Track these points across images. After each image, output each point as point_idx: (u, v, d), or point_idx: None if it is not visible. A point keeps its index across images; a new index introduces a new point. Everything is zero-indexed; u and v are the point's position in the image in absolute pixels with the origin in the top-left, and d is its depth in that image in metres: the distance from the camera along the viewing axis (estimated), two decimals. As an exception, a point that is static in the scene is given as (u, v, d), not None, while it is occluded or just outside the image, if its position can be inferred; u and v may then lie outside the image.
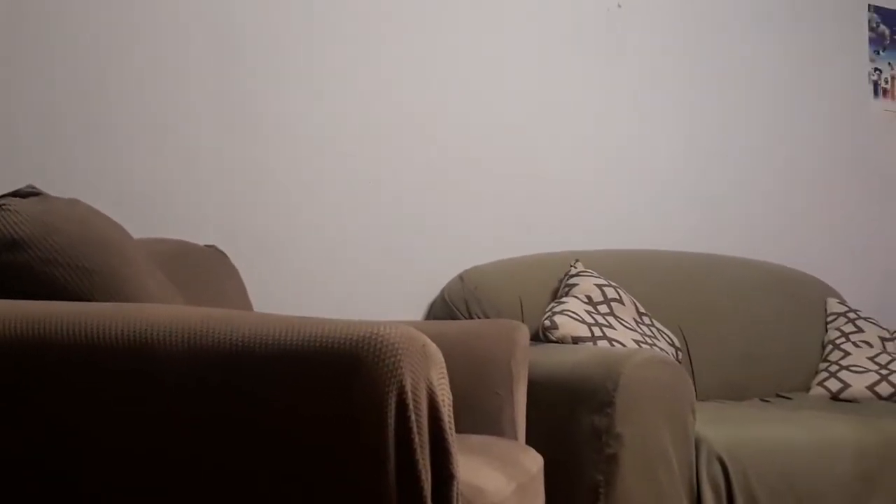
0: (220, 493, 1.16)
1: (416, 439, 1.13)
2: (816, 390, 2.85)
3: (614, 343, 2.44)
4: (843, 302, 3.19)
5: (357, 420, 1.12)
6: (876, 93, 3.67)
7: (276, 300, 2.51)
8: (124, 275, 1.44)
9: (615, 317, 2.59)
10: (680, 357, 2.68)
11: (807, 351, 3.02)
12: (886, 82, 3.69)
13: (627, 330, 2.54)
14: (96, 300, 1.41)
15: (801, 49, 3.51)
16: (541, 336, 2.46)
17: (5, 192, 1.54)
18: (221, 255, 2.24)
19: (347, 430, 1.13)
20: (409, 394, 1.13)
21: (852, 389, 2.79)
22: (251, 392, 1.15)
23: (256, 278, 2.47)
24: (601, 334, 2.46)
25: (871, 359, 2.88)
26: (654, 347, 2.54)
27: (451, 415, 1.20)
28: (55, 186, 2.23)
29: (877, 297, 3.57)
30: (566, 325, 2.44)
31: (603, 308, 2.60)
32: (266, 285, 2.50)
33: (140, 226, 2.24)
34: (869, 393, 2.77)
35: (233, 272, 2.22)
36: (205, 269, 2.11)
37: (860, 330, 3.03)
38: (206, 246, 2.24)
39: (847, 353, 2.93)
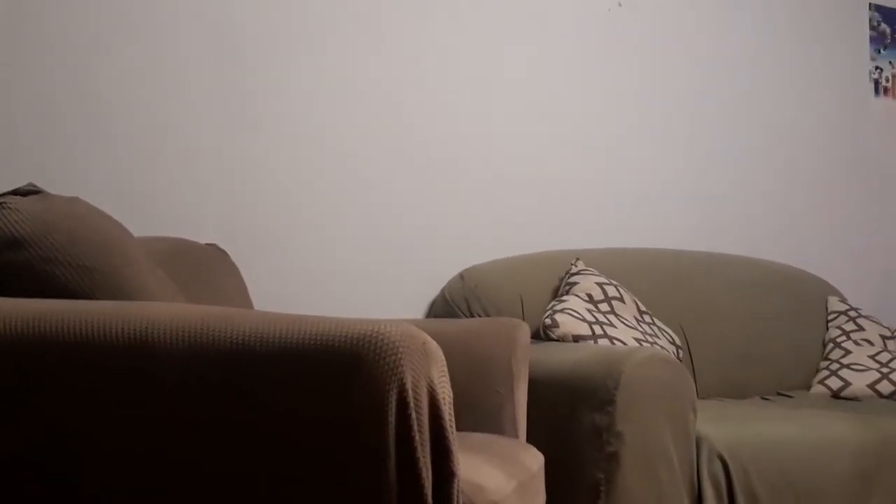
0: (220, 495, 1.16)
1: (417, 437, 1.13)
2: (817, 388, 2.85)
3: (615, 341, 2.44)
4: (843, 300, 3.19)
5: (357, 418, 1.12)
6: (877, 91, 3.67)
7: (277, 300, 2.51)
8: (125, 273, 1.44)
9: (616, 315, 2.59)
10: (681, 355, 2.68)
11: (807, 349, 3.02)
12: (887, 81, 3.69)
13: (628, 328, 2.54)
14: (97, 298, 1.41)
15: (802, 47, 3.51)
16: (541, 334, 2.46)
17: (5, 191, 1.54)
18: (222, 254, 2.24)
19: (348, 426, 1.13)
20: (410, 392, 1.13)
21: (853, 387, 2.79)
22: (251, 391, 1.15)
23: (257, 278, 2.48)
24: (602, 333, 2.46)
25: (872, 357, 2.88)
26: (655, 346, 2.54)
27: (452, 413, 1.20)
28: (55, 186, 2.23)
29: (877, 296, 3.57)
30: (567, 324, 2.45)
31: (604, 306, 2.60)
32: (266, 285, 2.51)
33: (140, 225, 2.24)
34: (870, 391, 2.77)
35: (233, 270, 2.22)
36: (205, 267, 2.11)
37: (861, 328, 3.03)
38: (206, 244, 2.24)
39: (848, 352, 2.93)
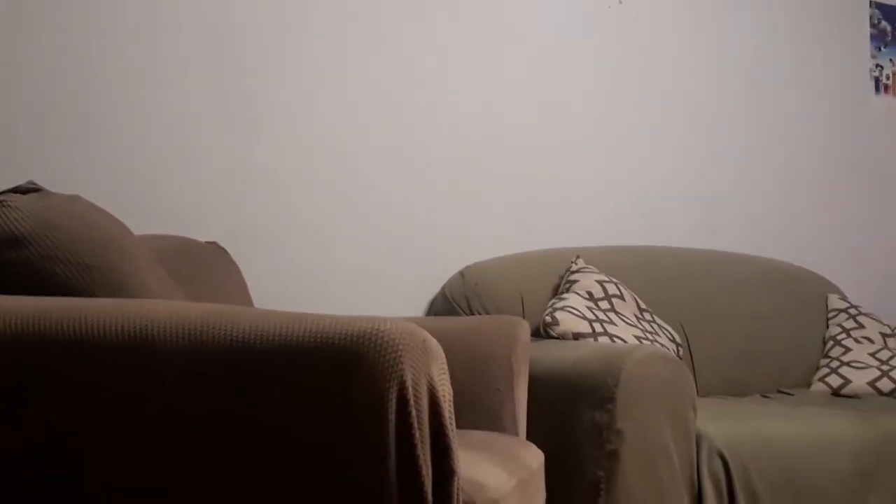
0: (220, 494, 1.16)
1: (417, 435, 1.13)
2: (817, 386, 2.85)
3: (615, 339, 2.44)
4: (844, 298, 3.19)
5: (357, 415, 1.12)
6: (877, 89, 3.67)
7: (277, 298, 2.52)
8: (125, 271, 1.44)
9: (616, 313, 2.59)
10: (681, 353, 2.68)
11: (807, 347, 3.02)
12: (888, 78, 3.69)
13: (628, 326, 2.54)
14: (97, 296, 1.41)
15: (802, 45, 3.51)
16: (542, 332, 2.46)
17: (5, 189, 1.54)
18: (222, 252, 2.24)
19: (348, 424, 1.13)
20: (410, 389, 1.13)
21: (853, 385, 2.79)
22: (251, 388, 1.15)
23: (257, 277, 2.48)
24: (602, 330, 2.46)
25: (872, 355, 2.88)
26: (655, 343, 2.54)
27: (452, 410, 1.20)
28: (55, 187, 2.23)
29: (877, 294, 3.57)
30: (567, 322, 2.45)
31: (604, 304, 2.60)
32: (267, 284, 2.51)
33: (140, 225, 2.24)
34: (870, 389, 2.77)
35: (233, 268, 2.22)
36: (205, 265, 2.11)
37: (861, 326, 3.03)
38: (206, 242, 2.24)
39: (848, 349, 2.93)
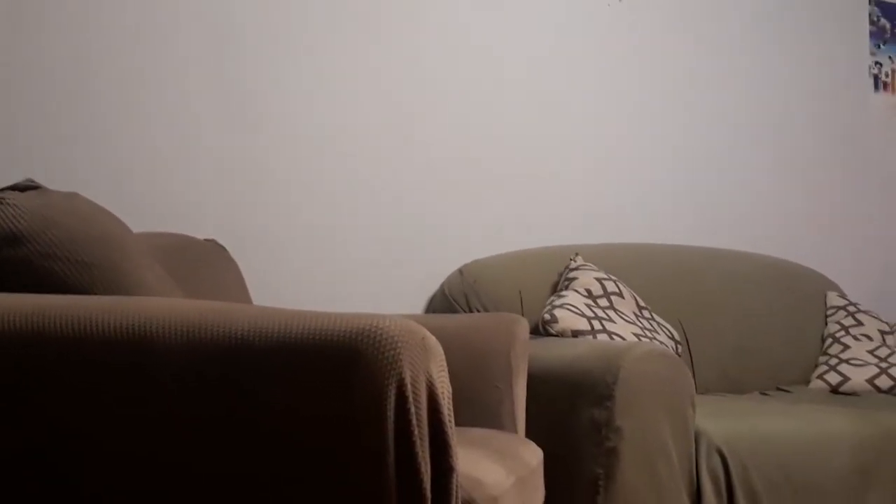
0: (222, 496, 1.16)
1: (416, 432, 1.13)
2: (816, 383, 2.85)
3: (614, 336, 2.44)
4: (842, 295, 3.19)
5: (356, 412, 1.12)
6: (876, 86, 3.67)
7: (276, 297, 2.52)
8: (124, 268, 1.44)
9: (615, 310, 2.59)
10: (680, 350, 2.68)
11: (806, 344, 3.02)
12: (887, 76, 3.69)
13: (627, 323, 2.54)
14: (95, 294, 1.41)
15: (802, 42, 3.50)
16: (540, 330, 2.46)
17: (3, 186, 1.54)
18: (220, 249, 2.24)
19: (347, 421, 1.12)
20: (409, 386, 1.12)
21: (852, 382, 2.79)
22: (250, 387, 1.15)
23: (256, 276, 2.48)
24: (601, 328, 2.46)
25: (871, 352, 2.88)
26: (654, 341, 2.54)
27: (451, 408, 1.19)
28: (55, 186, 2.23)
29: (876, 291, 3.57)
30: (566, 319, 2.45)
31: (603, 301, 2.60)
32: (266, 284, 2.51)
33: (140, 225, 2.24)
34: (868, 386, 2.77)
35: (232, 265, 2.22)
36: (204, 262, 2.11)
37: (860, 323, 3.03)
38: (205, 240, 2.24)
39: (847, 347, 2.93)
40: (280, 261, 2.56)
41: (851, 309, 3.10)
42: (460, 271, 2.72)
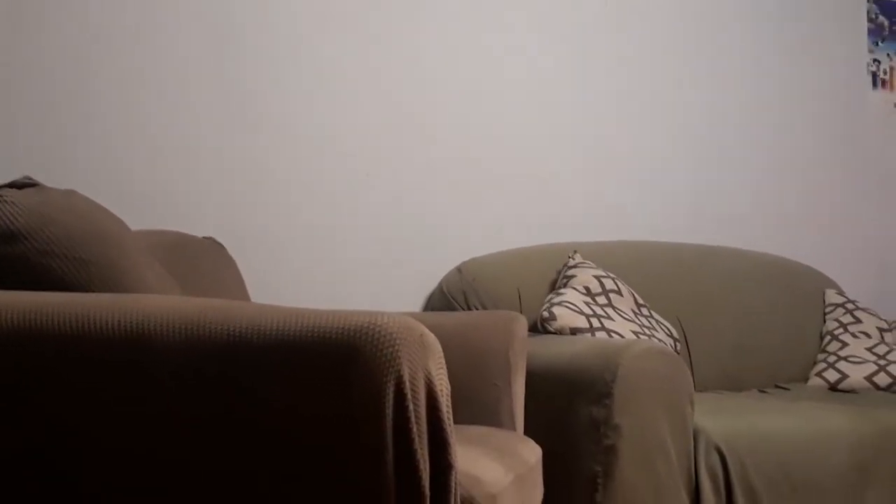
0: (220, 494, 1.16)
1: (415, 429, 1.13)
2: (815, 381, 2.85)
3: (613, 334, 2.44)
4: (841, 293, 3.19)
5: (355, 410, 1.12)
6: (874, 84, 3.67)
7: (275, 295, 2.51)
8: (122, 266, 1.44)
9: (613, 308, 2.59)
10: (678, 348, 2.68)
11: (805, 342, 3.02)
12: (885, 73, 3.69)
13: (626, 321, 2.54)
14: (93, 291, 1.40)
15: (800, 39, 3.50)
16: (539, 327, 2.46)
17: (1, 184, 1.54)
18: (219, 247, 2.24)
19: (345, 419, 1.12)
20: (408, 384, 1.12)
21: (850, 380, 2.79)
22: (248, 384, 1.15)
23: (256, 277, 2.48)
24: (599, 325, 2.46)
25: (870, 349, 2.88)
26: (653, 339, 2.54)
27: (450, 405, 1.19)
28: (55, 186, 2.23)
29: (874, 289, 3.57)
30: (564, 317, 2.45)
31: (601, 299, 2.60)
32: (266, 284, 2.51)
33: (140, 225, 2.24)
34: (867, 383, 2.77)
35: (230, 263, 2.22)
36: (203, 260, 2.11)
37: (858, 321, 3.03)
38: (203, 237, 2.24)
39: (845, 344, 2.93)
40: (280, 260, 2.56)
41: (850, 306, 3.10)
42: (459, 269, 2.72)
